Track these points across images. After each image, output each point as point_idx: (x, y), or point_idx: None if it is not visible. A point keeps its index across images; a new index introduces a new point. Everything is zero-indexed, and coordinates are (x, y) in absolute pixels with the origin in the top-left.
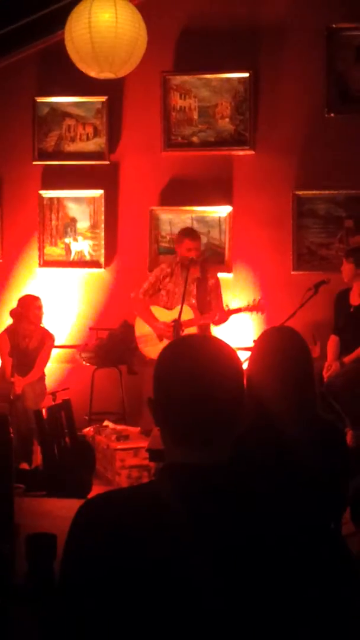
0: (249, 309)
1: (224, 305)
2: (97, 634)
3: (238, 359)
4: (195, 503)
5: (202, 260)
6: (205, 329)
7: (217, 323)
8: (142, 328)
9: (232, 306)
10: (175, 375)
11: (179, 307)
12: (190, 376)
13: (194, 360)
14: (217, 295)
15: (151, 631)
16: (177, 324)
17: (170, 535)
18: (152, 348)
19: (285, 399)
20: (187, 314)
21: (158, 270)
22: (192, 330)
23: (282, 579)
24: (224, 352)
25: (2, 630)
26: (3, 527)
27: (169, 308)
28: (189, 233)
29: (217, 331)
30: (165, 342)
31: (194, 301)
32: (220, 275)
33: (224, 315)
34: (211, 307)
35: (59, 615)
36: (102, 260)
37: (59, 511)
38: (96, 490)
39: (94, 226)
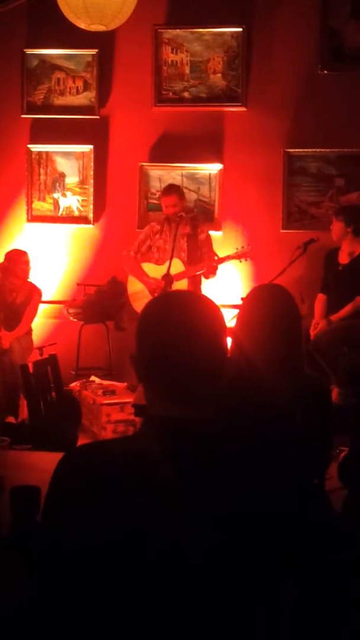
0: (237, 255)
1: (215, 258)
2: (77, 582)
3: (221, 314)
4: (177, 455)
5: (191, 217)
6: (196, 283)
7: (207, 275)
8: (134, 285)
9: (221, 255)
10: (157, 330)
11: (168, 262)
12: (172, 331)
13: (175, 315)
14: (208, 249)
15: (131, 579)
16: (168, 277)
17: (153, 486)
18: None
19: (272, 355)
20: (178, 267)
21: (148, 228)
22: (182, 283)
23: (264, 533)
24: (207, 308)
25: None
26: None
27: (160, 264)
28: (164, 190)
29: (206, 289)
30: None
31: (184, 255)
32: (210, 233)
33: (212, 266)
34: (202, 260)
35: (41, 564)
36: (90, 216)
37: (44, 464)
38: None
39: (82, 182)
